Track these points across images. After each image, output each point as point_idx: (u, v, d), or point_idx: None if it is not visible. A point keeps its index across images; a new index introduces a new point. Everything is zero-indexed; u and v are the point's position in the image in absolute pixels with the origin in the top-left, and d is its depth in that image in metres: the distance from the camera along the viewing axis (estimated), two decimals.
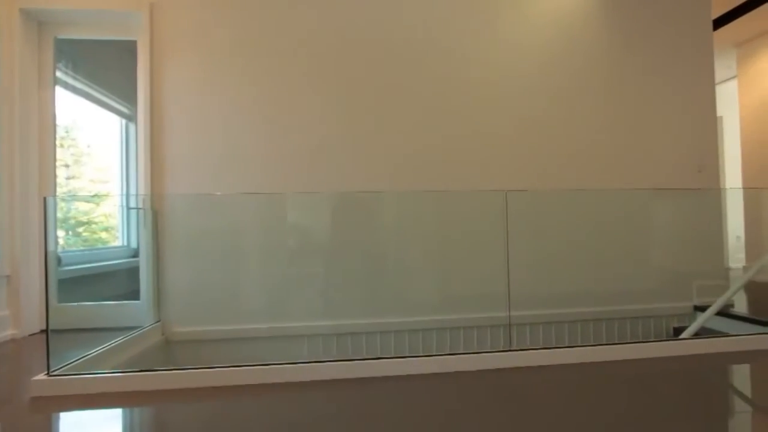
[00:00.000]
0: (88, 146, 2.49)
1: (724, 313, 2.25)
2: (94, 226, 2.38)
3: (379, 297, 2.25)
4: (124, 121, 2.56)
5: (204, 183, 2.17)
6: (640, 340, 2.32)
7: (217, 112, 2.21)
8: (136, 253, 2.34)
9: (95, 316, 2.06)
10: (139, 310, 2.03)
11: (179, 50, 2.18)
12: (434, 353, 1.22)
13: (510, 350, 1.25)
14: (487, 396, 1.08)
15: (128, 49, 2.25)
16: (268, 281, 2.20)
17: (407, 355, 1.20)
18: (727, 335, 1.48)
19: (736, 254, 3.91)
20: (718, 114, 2.78)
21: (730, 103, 4.39)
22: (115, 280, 2.27)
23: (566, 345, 1.29)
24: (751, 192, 3.91)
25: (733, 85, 4.32)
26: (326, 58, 2.31)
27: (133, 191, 2.39)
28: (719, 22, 3.41)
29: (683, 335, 2.16)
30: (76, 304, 2.03)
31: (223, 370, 1.13)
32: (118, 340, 1.58)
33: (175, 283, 2.08)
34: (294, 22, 2.29)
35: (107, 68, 2.53)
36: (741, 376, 1.29)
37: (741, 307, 2.55)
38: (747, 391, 1.21)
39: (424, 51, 2.40)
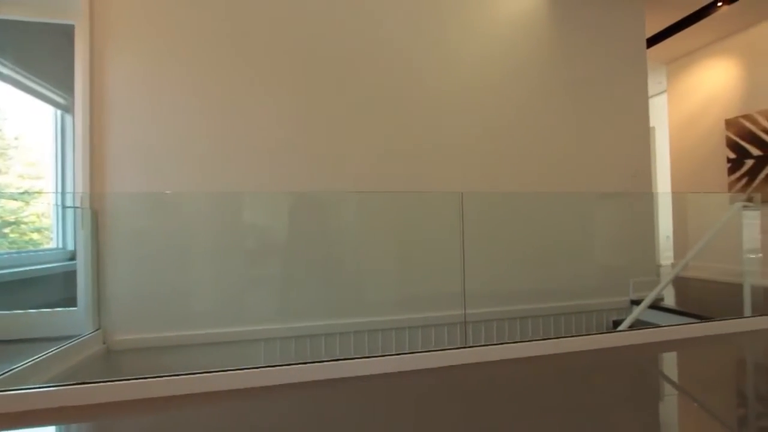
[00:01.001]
0: (16, 138, 2.26)
1: (655, 306, 2.47)
2: (23, 226, 2.16)
3: (337, 298, 2.24)
4: (59, 111, 2.35)
5: (149, 181, 2.04)
6: (584, 333, 2.49)
7: (165, 104, 2.09)
8: (73, 256, 2.16)
9: (25, 325, 1.87)
10: (76, 318, 1.87)
11: (122, 37, 2.04)
12: (393, 353, 1.23)
13: (466, 347, 1.30)
14: (444, 392, 1.11)
15: (65, 33, 2.06)
16: (222, 284, 2.11)
17: (367, 355, 1.20)
18: (657, 326, 1.63)
19: (665, 252, 4.31)
20: (651, 125, 3.05)
21: (661, 116, 4.83)
22: (49, 285, 2.08)
23: (519, 340, 1.36)
24: (678, 196, 4.33)
25: (663, 98, 4.75)
26: (286, 54, 2.26)
27: (69, 189, 2.20)
28: (652, 42, 3.74)
29: (620, 327, 2.34)
30: (2, 312, 1.84)
31: (170, 378, 1.07)
32: (52, 350, 1.45)
33: (118, 288, 1.94)
34: (251, 10, 2.22)
35: (40, 53, 2.31)
36: (669, 363, 1.43)
37: (669, 300, 2.82)
38: (674, 376, 1.34)
39: (382, 58, 2.43)
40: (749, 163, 3.59)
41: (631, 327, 2.29)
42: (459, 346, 1.28)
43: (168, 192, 2.06)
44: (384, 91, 2.41)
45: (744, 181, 3.64)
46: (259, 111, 2.21)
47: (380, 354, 1.22)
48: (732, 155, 3.73)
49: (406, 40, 2.47)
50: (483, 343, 1.33)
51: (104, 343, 1.89)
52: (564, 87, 2.75)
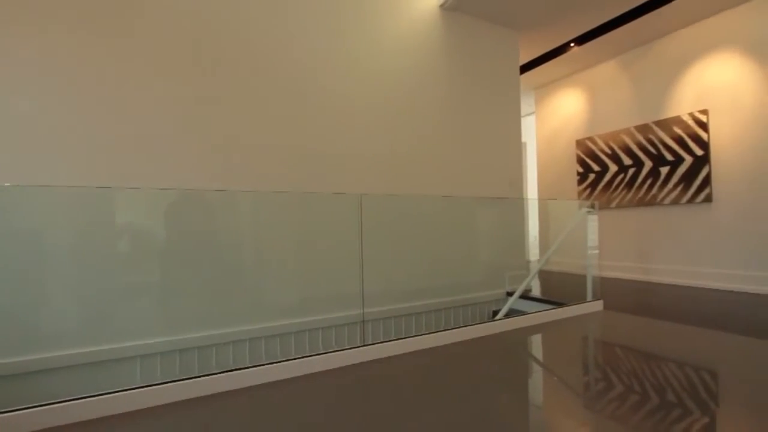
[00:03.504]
0: None
1: (525, 296, 2.86)
2: None
3: (229, 304, 2.08)
4: None
5: None
6: (469, 323, 2.75)
7: (10, 82, 1.69)
8: None
9: None
10: None
11: None
12: (294, 356, 1.20)
13: (365, 345, 1.33)
14: (349, 390, 1.12)
15: None
16: (86, 295, 1.79)
17: (265, 362, 1.14)
18: (525, 313, 1.89)
19: (534, 250, 5.04)
20: (523, 140, 3.55)
21: (531, 133, 5.65)
22: None
23: (414, 334, 1.45)
24: (542, 202, 5.10)
25: (532, 118, 5.57)
26: (179, 47, 2.03)
27: None
28: (524, 69, 4.35)
29: (497, 317, 2.66)
30: None
31: (10, 415, 0.86)
32: None
33: None
34: None
35: None
36: (536, 343, 1.68)
37: (536, 290, 3.30)
38: (540, 355, 1.58)
39: (284, 61, 2.35)
40: (591, 176, 4.44)
41: (507, 315, 2.62)
42: (358, 344, 1.31)
43: (7, 185, 1.66)
44: (283, 94, 2.34)
45: (588, 190, 4.48)
46: (137, 97, 1.93)
47: (281, 359, 1.18)
48: (580, 169, 4.56)
49: (308, 46, 2.43)
50: (381, 340, 1.38)
51: None
52: (454, 104, 3.04)
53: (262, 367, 1.13)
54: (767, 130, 3.10)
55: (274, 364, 1.15)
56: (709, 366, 1.35)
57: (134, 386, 0.99)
